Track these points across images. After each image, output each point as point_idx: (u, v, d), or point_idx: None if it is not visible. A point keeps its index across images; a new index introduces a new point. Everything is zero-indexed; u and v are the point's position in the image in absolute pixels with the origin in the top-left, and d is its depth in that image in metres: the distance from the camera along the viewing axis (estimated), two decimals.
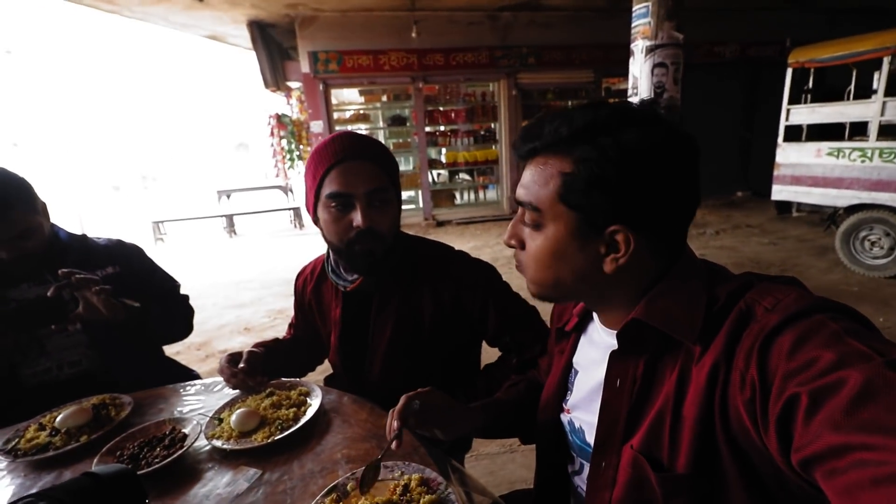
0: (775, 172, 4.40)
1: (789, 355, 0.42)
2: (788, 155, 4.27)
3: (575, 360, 0.71)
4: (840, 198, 3.90)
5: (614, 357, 0.60)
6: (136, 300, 1.12)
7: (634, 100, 3.36)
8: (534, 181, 0.58)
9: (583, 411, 0.67)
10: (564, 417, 0.71)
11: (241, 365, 0.97)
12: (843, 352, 0.39)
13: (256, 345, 1.10)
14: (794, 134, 4.27)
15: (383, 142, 8.03)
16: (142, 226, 7.89)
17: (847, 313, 0.45)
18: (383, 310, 0.99)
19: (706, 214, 6.61)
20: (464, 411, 0.76)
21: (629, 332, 0.57)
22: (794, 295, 0.48)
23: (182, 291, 1.37)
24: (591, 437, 0.63)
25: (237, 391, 1.00)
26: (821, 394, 0.37)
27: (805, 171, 4.14)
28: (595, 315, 0.68)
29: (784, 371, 0.41)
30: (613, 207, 0.53)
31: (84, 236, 1.25)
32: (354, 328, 1.03)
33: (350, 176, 0.88)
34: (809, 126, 4.18)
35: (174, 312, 1.30)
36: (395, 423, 0.66)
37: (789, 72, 4.22)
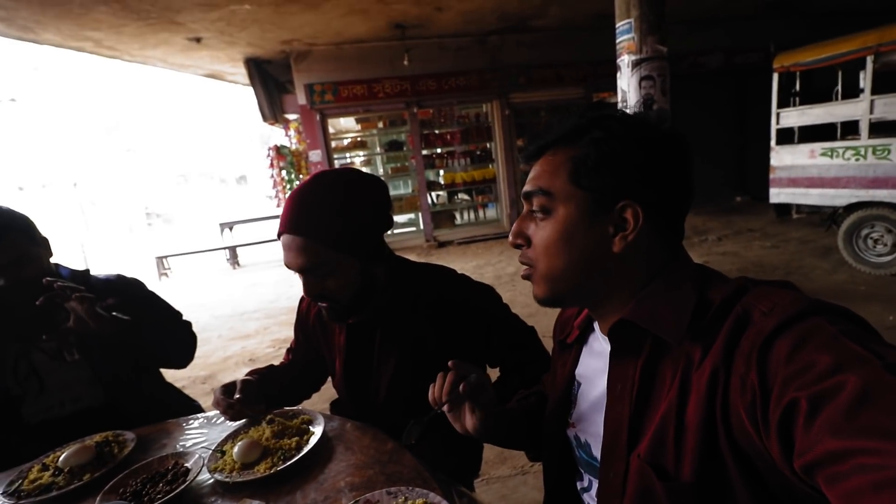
0: (771, 176, 4.42)
1: (788, 359, 0.42)
2: (783, 158, 4.30)
3: (578, 372, 0.71)
4: (838, 197, 3.90)
5: (612, 361, 0.61)
6: (130, 321, 1.13)
7: None
8: (544, 171, 0.61)
9: (587, 423, 0.66)
10: (570, 432, 0.70)
11: (237, 395, 0.96)
12: (840, 355, 0.39)
13: (250, 373, 1.09)
14: (786, 137, 4.31)
15: (381, 169, 8.17)
16: (147, 262, 7.94)
17: (844, 315, 0.45)
18: (387, 340, 0.98)
19: (707, 221, 6.61)
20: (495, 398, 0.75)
21: (619, 333, 0.58)
22: (791, 298, 0.48)
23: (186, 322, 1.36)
24: (597, 451, 0.63)
25: (239, 423, 0.99)
26: (820, 398, 0.37)
27: (801, 172, 4.16)
28: (595, 324, 0.68)
29: (783, 375, 0.41)
30: (621, 183, 0.57)
31: (86, 272, 1.27)
32: (359, 358, 1.02)
33: (286, 251, 0.87)
34: (801, 128, 4.22)
35: (172, 332, 1.28)
36: (450, 378, 0.68)
37: (775, 76, 4.29)
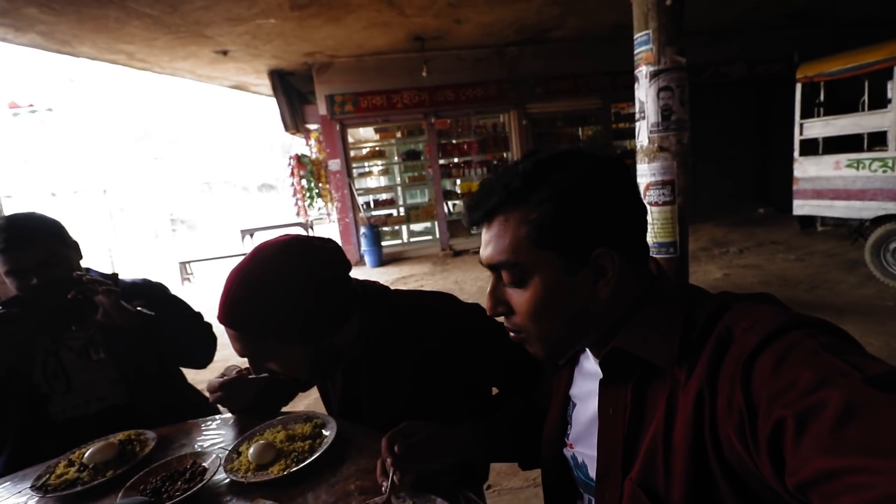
0: (795, 187, 4.33)
1: (771, 376, 0.42)
2: (807, 169, 4.21)
3: (572, 392, 0.71)
4: (865, 209, 3.80)
5: (603, 386, 0.60)
6: (155, 321, 1.18)
7: (642, 123, 3.39)
8: (500, 239, 0.58)
9: (584, 444, 0.66)
10: (568, 452, 0.70)
11: (224, 377, 1.00)
12: (822, 370, 0.39)
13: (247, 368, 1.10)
14: (810, 147, 4.22)
15: (398, 178, 8.24)
16: (170, 267, 8.15)
17: (824, 328, 0.45)
18: (374, 381, 0.94)
19: (728, 233, 6.48)
20: (450, 433, 0.76)
21: (611, 361, 0.58)
22: (771, 314, 0.48)
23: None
24: (594, 472, 0.62)
25: (255, 428, 1.01)
26: (805, 416, 0.37)
27: (825, 184, 4.07)
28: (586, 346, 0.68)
29: (768, 393, 0.41)
30: (587, 233, 0.55)
31: (114, 275, 1.33)
32: (352, 392, 0.99)
33: (229, 338, 0.83)
34: (826, 139, 4.13)
35: (194, 332, 1.33)
36: (387, 463, 0.69)
37: (798, 87, 4.21)
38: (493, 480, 1.96)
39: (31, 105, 18.48)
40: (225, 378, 1.02)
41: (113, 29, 4.75)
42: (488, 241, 0.60)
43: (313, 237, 0.89)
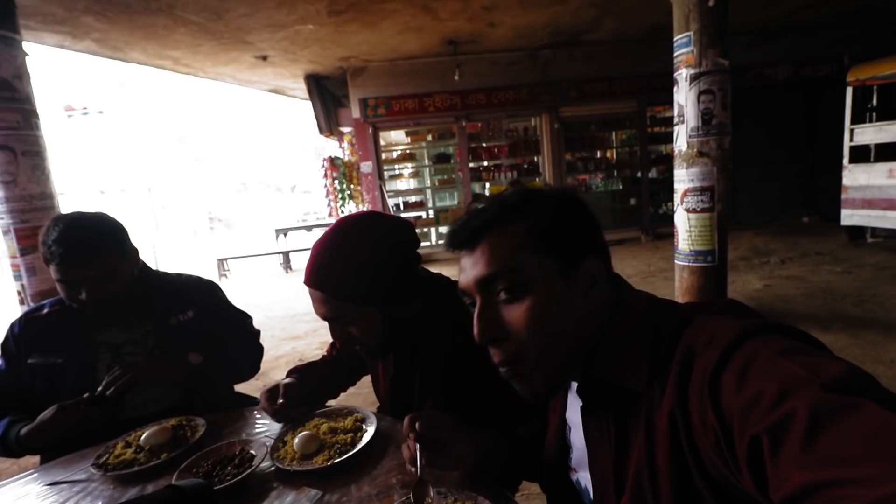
0: (843, 196, 4.14)
1: (737, 390, 0.42)
2: (857, 177, 4.01)
3: (567, 415, 0.70)
4: None
5: (584, 413, 0.60)
6: (208, 341, 1.20)
7: (681, 127, 3.30)
8: (495, 251, 0.56)
9: (584, 469, 0.65)
10: (573, 476, 0.70)
11: (280, 400, 1.02)
12: (782, 379, 0.39)
13: (290, 372, 1.15)
14: (860, 154, 4.02)
15: (428, 180, 8.31)
16: (208, 263, 8.46)
17: (779, 331, 0.45)
18: (427, 368, 0.99)
19: (769, 242, 6.23)
20: (472, 435, 0.76)
21: (587, 389, 0.58)
22: (726, 326, 0.48)
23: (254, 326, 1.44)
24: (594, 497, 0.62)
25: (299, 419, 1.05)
26: (776, 430, 0.38)
27: (877, 193, 3.87)
28: None
29: (737, 410, 0.41)
30: (579, 238, 0.58)
31: (171, 276, 1.36)
32: (403, 378, 1.03)
33: (312, 300, 0.91)
34: (878, 146, 3.93)
35: (242, 356, 1.36)
36: (411, 444, 0.69)
37: (849, 90, 4.02)
38: (522, 485, 1.95)
39: (85, 108, 19.60)
40: (274, 408, 1.04)
41: (161, 36, 4.99)
42: (476, 261, 0.57)
43: (389, 214, 0.95)
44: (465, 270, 0.59)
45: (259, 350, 1.43)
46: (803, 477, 0.35)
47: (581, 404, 0.61)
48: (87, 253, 1.08)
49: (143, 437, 0.97)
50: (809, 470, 0.35)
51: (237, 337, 1.38)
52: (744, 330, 0.46)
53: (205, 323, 1.30)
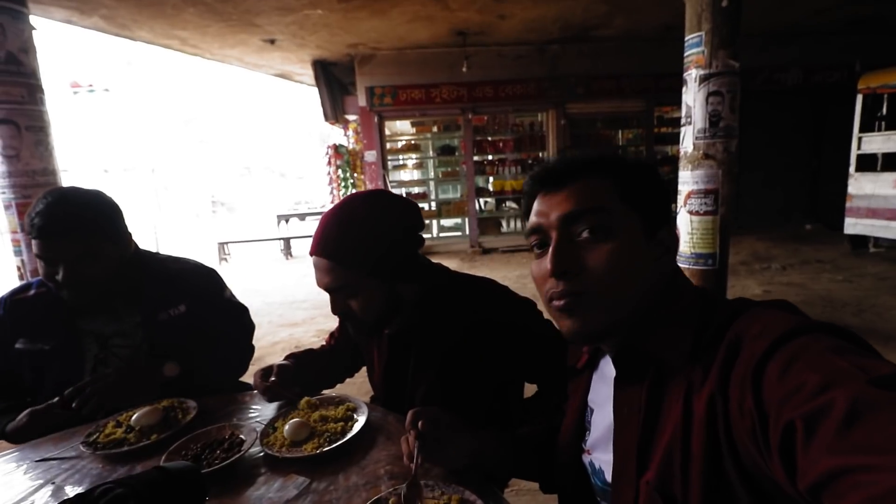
0: (848, 204, 4.12)
1: (779, 381, 0.43)
2: (862, 186, 3.99)
3: (590, 398, 0.71)
4: None
5: (617, 386, 0.61)
6: (197, 339, 1.17)
7: (688, 128, 3.28)
8: (586, 190, 0.58)
9: (601, 450, 0.66)
10: (586, 459, 0.70)
11: (272, 378, 1.03)
12: (828, 372, 0.40)
13: (287, 357, 1.15)
14: (867, 163, 3.99)
15: (431, 172, 8.29)
16: (209, 246, 8.47)
17: (833, 331, 0.46)
18: (422, 355, 0.99)
19: (770, 248, 6.21)
20: (475, 434, 0.77)
21: (625, 359, 0.59)
22: (781, 319, 0.48)
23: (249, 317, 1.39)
24: (610, 477, 0.62)
25: (288, 406, 1.06)
26: (813, 418, 0.38)
27: (882, 203, 3.85)
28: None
29: (777, 397, 0.42)
30: (661, 206, 0.61)
31: (167, 263, 1.29)
32: (396, 368, 1.04)
33: (315, 270, 0.92)
34: (885, 155, 3.90)
35: (230, 357, 1.30)
36: (411, 440, 0.69)
37: (859, 98, 3.99)
38: (512, 480, 1.96)
39: (91, 85, 19.50)
40: (265, 385, 1.04)
41: (170, 15, 4.95)
42: (563, 199, 0.58)
43: (397, 194, 0.99)
44: (543, 209, 0.61)
45: (250, 350, 1.37)
46: (832, 462, 0.35)
47: (614, 375, 0.62)
48: (68, 230, 1.03)
49: (133, 418, 0.97)
50: (839, 455, 0.35)
51: (229, 335, 1.31)
52: (798, 325, 0.46)
53: (196, 319, 1.23)
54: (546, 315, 1.05)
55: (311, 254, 0.92)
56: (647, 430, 0.56)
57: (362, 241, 0.88)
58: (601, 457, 0.66)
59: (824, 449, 0.36)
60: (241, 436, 0.91)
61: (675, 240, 0.61)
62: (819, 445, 0.36)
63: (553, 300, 0.58)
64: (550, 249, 0.58)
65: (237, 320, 1.37)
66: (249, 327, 1.40)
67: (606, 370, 0.67)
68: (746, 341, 0.48)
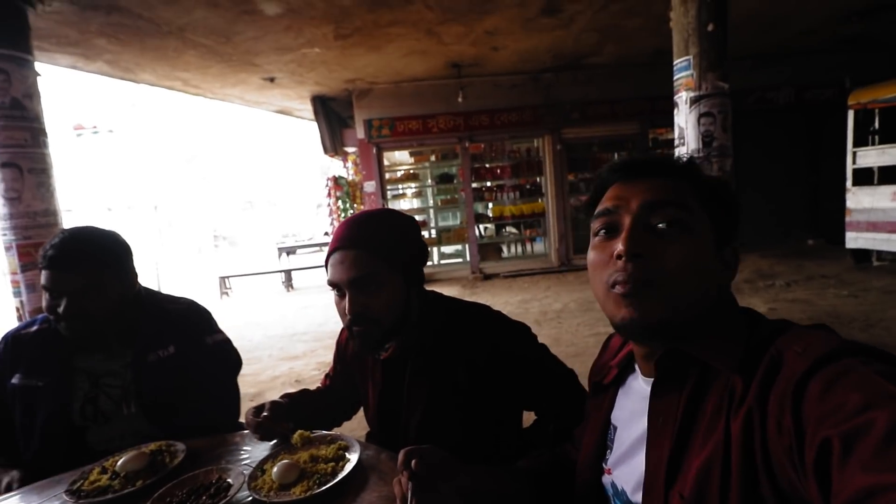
0: (847, 219, 4.11)
1: (820, 399, 0.42)
2: (860, 200, 3.99)
3: (613, 416, 0.69)
4: None
5: (655, 393, 0.59)
6: (184, 382, 1.15)
7: (682, 150, 3.31)
8: (667, 187, 0.59)
9: (624, 468, 0.64)
10: (606, 479, 0.68)
11: (265, 414, 1.01)
12: (870, 393, 0.39)
13: (282, 396, 1.13)
14: (864, 177, 4.01)
15: (430, 200, 8.35)
16: (210, 281, 8.47)
17: (878, 356, 0.45)
18: (417, 378, 0.98)
19: (774, 264, 6.17)
20: (469, 471, 0.72)
21: (669, 361, 0.57)
22: (824, 339, 0.47)
23: (241, 373, 1.34)
24: (634, 496, 0.60)
25: (280, 447, 1.02)
26: (851, 436, 0.37)
27: (882, 216, 3.84)
28: (637, 366, 0.66)
29: (816, 416, 0.41)
30: (731, 223, 0.61)
31: (164, 304, 1.27)
32: (391, 394, 1.02)
33: (337, 265, 0.90)
34: (881, 168, 3.92)
35: (214, 403, 1.25)
36: (404, 482, 0.66)
37: (851, 113, 4.04)
38: None
39: (95, 126, 20.00)
40: (257, 420, 1.01)
41: (171, 58, 5.11)
42: (648, 189, 0.59)
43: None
44: (622, 194, 0.60)
45: (236, 402, 1.31)
46: (868, 480, 0.34)
47: (648, 388, 0.61)
48: (78, 264, 1.06)
49: (118, 464, 0.94)
50: (875, 474, 0.34)
51: (214, 377, 1.27)
52: (843, 346, 0.46)
53: (184, 360, 1.20)
54: (541, 340, 1.04)
55: (336, 250, 0.91)
56: (681, 441, 0.54)
57: (393, 234, 0.93)
58: (624, 476, 0.64)
59: (860, 467, 0.35)
60: (229, 479, 0.87)
61: (737, 260, 0.61)
62: (856, 463, 0.36)
63: (616, 284, 0.56)
64: (624, 231, 0.57)
65: (223, 364, 1.31)
66: (236, 367, 1.34)
67: (635, 385, 0.66)
68: (788, 359, 0.48)
